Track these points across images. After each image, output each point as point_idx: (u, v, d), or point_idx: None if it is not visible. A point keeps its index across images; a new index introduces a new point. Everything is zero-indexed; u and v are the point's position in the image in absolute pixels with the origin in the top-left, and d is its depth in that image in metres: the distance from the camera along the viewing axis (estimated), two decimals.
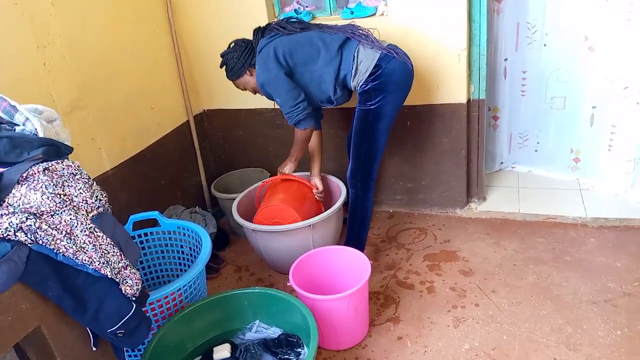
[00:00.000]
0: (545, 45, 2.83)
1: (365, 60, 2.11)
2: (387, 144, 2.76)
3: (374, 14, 2.53)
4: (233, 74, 2.31)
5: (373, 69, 2.10)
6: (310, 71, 2.18)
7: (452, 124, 2.67)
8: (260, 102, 2.87)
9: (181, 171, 2.91)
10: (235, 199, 2.65)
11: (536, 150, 3.16)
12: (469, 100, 2.63)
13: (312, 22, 2.45)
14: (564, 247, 2.48)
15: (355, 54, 2.12)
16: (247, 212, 2.57)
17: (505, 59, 2.93)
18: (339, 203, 2.44)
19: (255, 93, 2.38)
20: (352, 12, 2.54)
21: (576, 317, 2.04)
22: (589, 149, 2.94)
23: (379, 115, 2.16)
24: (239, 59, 2.25)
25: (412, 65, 2.20)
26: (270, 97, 2.27)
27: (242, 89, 2.39)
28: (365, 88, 2.13)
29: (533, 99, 3.01)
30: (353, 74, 2.14)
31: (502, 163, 3.26)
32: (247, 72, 2.29)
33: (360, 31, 2.19)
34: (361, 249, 2.36)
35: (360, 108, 2.18)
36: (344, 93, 2.25)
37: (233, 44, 2.30)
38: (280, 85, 2.15)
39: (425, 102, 2.66)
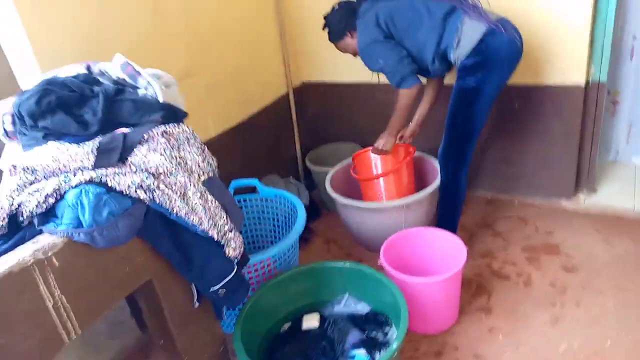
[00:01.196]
0: None
1: (470, 33, 1.99)
2: (491, 125, 2.65)
3: None
4: (335, 36, 2.28)
5: (477, 44, 1.97)
6: (411, 38, 2.09)
7: (566, 108, 2.47)
8: (358, 75, 2.84)
9: (278, 141, 2.98)
10: (328, 172, 2.66)
11: None
12: (587, 83, 2.41)
13: None
14: None
15: (460, 25, 1.99)
16: (339, 186, 2.58)
17: (634, 37, 2.64)
18: (434, 184, 2.36)
19: (355, 56, 2.32)
20: None
21: None
22: None
23: (478, 93, 2.04)
24: (340, 21, 2.23)
25: (521, 43, 2.05)
26: (369, 64, 2.20)
27: (343, 52, 2.35)
28: (466, 63, 2.02)
29: None
30: (455, 46, 2.02)
31: (617, 153, 2.98)
32: (348, 34, 2.25)
33: (469, 1, 2.06)
34: (453, 231, 2.29)
35: (459, 84, 2.07)
36: (442, 64, 2.14)
37: (336, 6, 2.27)
38: (380, 46, 2.10)
39: (537, 82, 2.47)
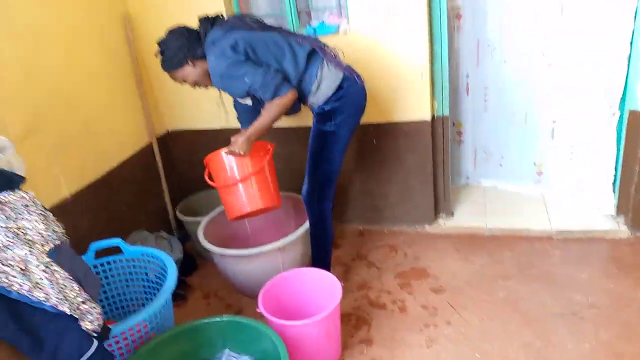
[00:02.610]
0: (505, 61, 2.91)
1: (329, 79, 2.05)
2: (354, 162, 2.80)
3: (337, 32, 2.54)
4: (172, 64, 2.06)
5: (336, 89, 2.06)
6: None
7: (418, 141, 2.69)
8: (223, 121, 2.84)
9: (145, 195, 2.83)
10: (200, 222, 2.59)
11: (500, 165, 3.22)
12: (433, 117, 2.66)
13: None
14: (530, 260, 2.52)
15: (318, 71, 2.04)
16: (213, 234, 2.51)
17: (467, 75, 2.99)
18: (306, 224, 2.40)
19: (195, 86, 2.16)
20: (315, 31, 2.54)
21: (545, 330, 2.07)
22: (551, 162, 3.02)
23: (337, 136, 2.12)
24: (180, 48, 2.03)
25: (365, 89, 2.18)
26: (234, 87, 2.02)
27: (180, 82, 2.15)
28: (324, 108, 2.09)
29: (495, 114, 3.07)
30: (314, 90, 2.06)
31: (468, 178, 3.30)
32: (189, 63, 2.06)
33: (327, 48, 2.13)
34: (327, 269, 2.33)
35: (317, 128, 2.13)
36: (294, 105, 2.07)
37: (174, 31, 2.05)
38: (243, 66, 1.94)
39: (390, 119, 2.67)
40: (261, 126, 2.07)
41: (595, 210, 2.78)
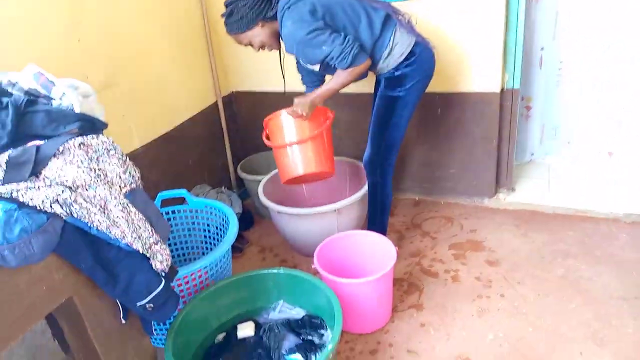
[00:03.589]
0: (582, 35, 2.74)
1: (401, 44, 2.03)
2: (416, 131, 2.76)
3: None
4: (241, 25, 2.03)
5: (408, 55, 2.04)
6: (351, 34, 1.97)
7: (485, 113, 2.62)
8: (288, 84, 2.86)
9: (209, 151, 2.93)
10: (261, 180, 2.66)
11: (569, 142, 3.08)
12: (502, 90, 2.57)
13: None
14: (595, 241, 2.43)
15: (392, 36, 2.01)
16: (272, 194, 2.58)
17: (542, 48, 2.85)
18: (364, 189, 2.42)
19: (259, 49, 2.15)
20: None
21: (605, 312, 2.00)
22: (622, 144, 2.86)
23: (405, 102, 2.11)
24: (251, 8, 1.99)
25: (435, 56, 2.14)
26: (311, 54, 1.98)
27: (244, 44, 2.13)
28: (396, 73, 2.07)
29: (568, 90, 2.92)
30: (386, 56, 2.03)
31: (532, 154, 3.18)
32: (259, 24, 2.03)
33: (399, 13, 2.10)
34: (383, 233, 2.35)
35: (386, 93, 2.11)
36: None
37: None
38: (323, 33, 1.90)
39: (457, 89, 2.61)
40: (328, 91, 2.06)
41: None
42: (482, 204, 2.85)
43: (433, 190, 2.94)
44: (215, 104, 2.97)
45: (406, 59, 2.04)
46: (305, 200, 2.82)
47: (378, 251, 2.13)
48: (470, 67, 2.53)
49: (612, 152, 2.96)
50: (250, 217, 2.94)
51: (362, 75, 2.10)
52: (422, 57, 2.06)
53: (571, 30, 2.76)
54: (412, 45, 2.04)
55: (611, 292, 2.10)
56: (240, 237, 2.76)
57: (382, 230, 2.38)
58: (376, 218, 2.39)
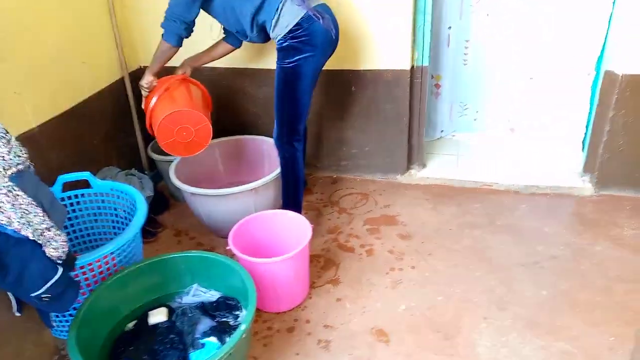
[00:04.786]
0: (487, 14, 2.87)
1: (288, 16, 2.07)
2: (332, 109, 2.78)
3: None
4: None
5: (294, 27, 2.06)
6: (229, 0, 2.13)
7: (396, 91, 2.68)
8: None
9: (116, 131, 2.76)
10: (173, 161, 2.56)
11: (475, 119, 3.25)
12: (412, 67, 2.64)
13: None
14: (498, 212, 2.59)
15: (280, 6, 2.06)
16: (186, 174, 2.49)
17: (449, 27, 2.95)
18: (279, 169, 2.40)
19: None
20: None
21: (507, 278, 2.15)
22: (525, 119, 3.06)
23: (297, 74, 2.14)
24: None
25: (335, 33, 2.18)
26: None
27: None
28: (283, 44, 2.11)
29: (474, 68, 3.07)
30: (273, 25, 2.09)
31: (442, 131, 3.32)
32: None
33: None
34: (298, 211, 2.36)
35: (279, 65, 2.16)
36: (260, 35, 2.21)
37: None
38: None
39: (370, 67, 2.64)
40: (152, 63, 2.33)
41: (563, 168, 2.85)
42: (395, 180, 2.94)
43: (350, 167, 2.99)
44: (122, 79, 2.79)
45: (292, 31, 2.07)
46: (222, 180, 2.76)
47: (294, 229, 2.13)
48: (382, 45, 2.57)
49: (514, 129, 3.16)
50: (164, 200, 2.83)
51: (233, 43, 2.40)
52: (310, 30, 2.07)
53: (477, 9, 2.88)
54: (299, 18, 2.05)
55: (512, 260, 2.26)
56: (153, 221, 2.65)
57: (297, 208, 2.39)
58: (289, 195, 2.39)
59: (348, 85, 2.72)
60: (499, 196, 2.73)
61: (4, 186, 1.21)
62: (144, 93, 2.38)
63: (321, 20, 2.08)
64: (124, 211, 2.14)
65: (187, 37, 2.20)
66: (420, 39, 2.58)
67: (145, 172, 2.94)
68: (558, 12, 2.72)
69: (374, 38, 2.56)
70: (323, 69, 2.26)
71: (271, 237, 2.20)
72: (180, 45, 2.24)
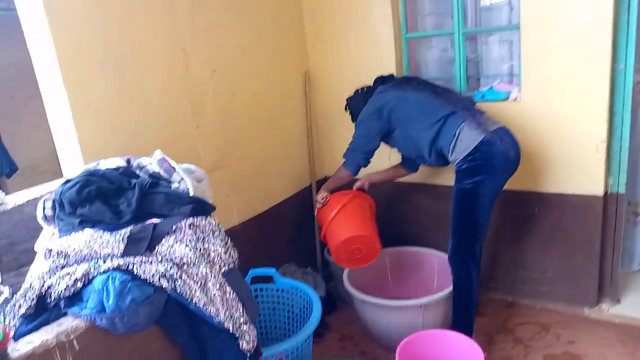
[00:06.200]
0: None
1: (466, 140, 2.13)
2: (511, 229, 2.68)
3: (506, 99, 2.52)
4: (354, 117, 2.48)
5: (472, 150, 2.11)
6: (408, 128, 2.29)
7: (586, 216, 2.49)
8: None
9: (298, 232, 3.04)
10: None
11: None
12: (605, 193, 2.45)
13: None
14: None
15: (458, 131, 2.14)
16: (357, 280, 2.58)
17: None
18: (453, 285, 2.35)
19: None
20: (483, 96, 2.55)
21: None
22: None
23: (475, 195, 2.16)
24: (357, 105, 2.43)
25: (514, 154, 2.18)
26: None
27: None
28: (462, 167, 2.15)
29: None
30: (451, 150, 2.16)
31: None
32: None
33: (474, 109, 2.23)
34: (469, 334, 2.24)
35: (457, 186, 2.21)
36: (438, 159, 2.29)
37: (359, 90, 2.48)
38: (364, 127, 2.35)
39: (556, 190, 2.53)
40: (329, 183, 2.57)
41: None
42: (581, 313, 2.63)
43: (528, 292, 2.77)
44: (309, 187, 3.11)
45: (470, 154, 2.11)
46: (389, 289, 2.79)
47: (464, 354, 2.03)
48: (572, 169, 2.46)
49: None
50: (332, 302, 2.94)
51: (411, 168, 2.58)
52: (488, 154, 2.10)
53: None
54: (477, 142, 2.09)
55: None
56: (322, 321, 2.75)
57: (468, 331, 2.27)
58: (461, 316, 2.30)
59: (527, 206, 2.62)
60: None
61: (218, 281, 1.42)
62: (318, 206, 2.61)
63: (499, 143, 2.11)
64: (299, 308, 2.28)
65: (364, 166, 2.42)
66: (615, 164, 2.41)
67: (319, 272, 3.12)
68: None
69: (562, 162, 2.47)
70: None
71: (439, 358, 2.11)
72: (357, 174, 2.47)
